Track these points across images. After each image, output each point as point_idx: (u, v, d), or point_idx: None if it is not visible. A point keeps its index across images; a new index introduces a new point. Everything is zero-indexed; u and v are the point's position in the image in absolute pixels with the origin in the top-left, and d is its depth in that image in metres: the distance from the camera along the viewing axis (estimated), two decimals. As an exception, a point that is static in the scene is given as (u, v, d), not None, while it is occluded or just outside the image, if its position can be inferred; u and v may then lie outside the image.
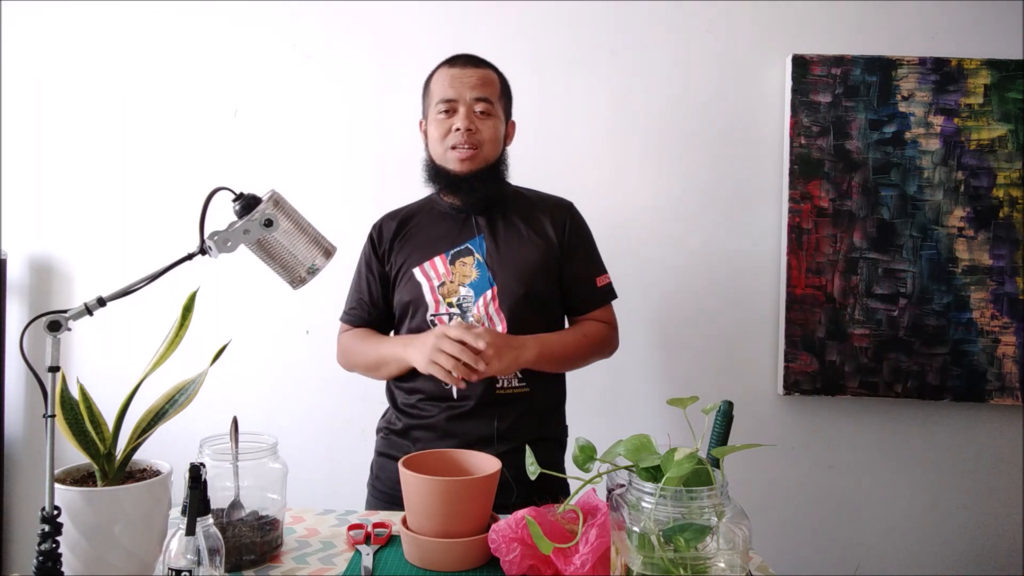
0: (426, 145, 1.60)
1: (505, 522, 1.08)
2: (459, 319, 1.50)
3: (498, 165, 1.56)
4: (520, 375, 1.51)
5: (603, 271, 1.63)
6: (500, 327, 1.49)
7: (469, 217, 1.56)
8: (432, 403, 1.50)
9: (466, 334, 1.36)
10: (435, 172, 1.55)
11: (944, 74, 2.07)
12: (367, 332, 1.61)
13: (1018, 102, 2.06)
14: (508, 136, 1.62)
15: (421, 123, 1.62)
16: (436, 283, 1.52)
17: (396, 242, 1.59)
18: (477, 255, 1.53)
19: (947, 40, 2.12)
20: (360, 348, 1.59)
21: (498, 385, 1.49)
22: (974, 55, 2.09)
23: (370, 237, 1.64)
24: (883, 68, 2.08)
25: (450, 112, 1.51)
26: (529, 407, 1.51)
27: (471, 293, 1.51)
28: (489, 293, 1.50)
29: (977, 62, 2.06)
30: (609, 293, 1.62)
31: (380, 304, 1.61)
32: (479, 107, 1.50)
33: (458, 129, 1.49)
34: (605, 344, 1.61)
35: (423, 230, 1.58)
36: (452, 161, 1.52)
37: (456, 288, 1.51)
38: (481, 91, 1.50)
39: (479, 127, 1.50)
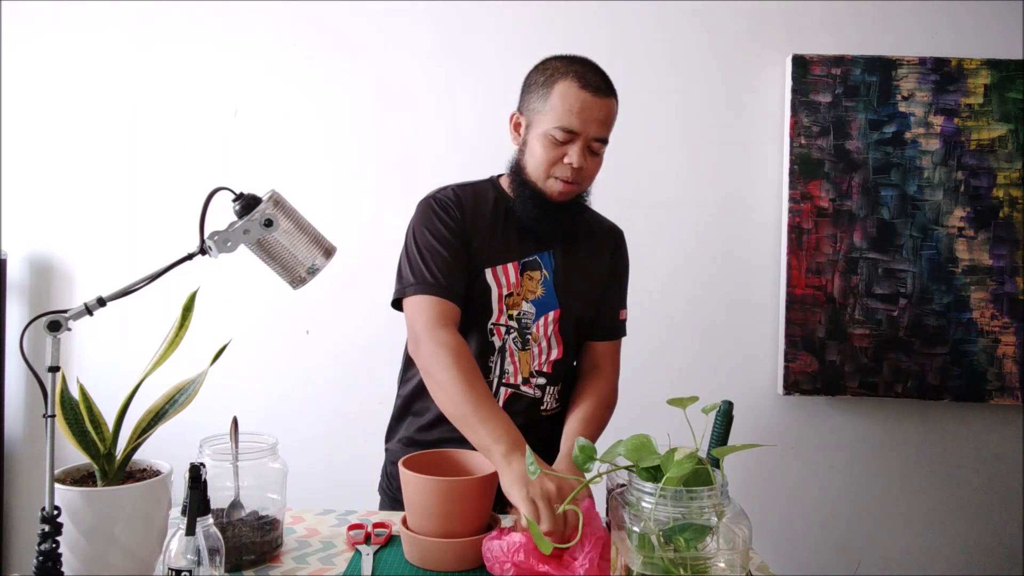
0: (521, 148, 1.44)
1: (498, 545, 1.06)
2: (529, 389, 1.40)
3: (584, 192, 1.49)
4: (557, 396, 1.49)
5: (625, 306, 1.59)
6: (556, 351, 1.46)
7: (548, 230, 1.47)
8: None
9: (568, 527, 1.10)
10: (526, 187, 1.42)
11: (944, 74, 2.07)
12: (476, 370, 1.30)
13: (1018, 102, 2.06)
14: None
15: (516, 116, 1.45)
16: (505, 291, 1.42)
17: (474, 224, 1.43)
18: (545, 271, 1.46)
19: (947, 40, 2.12)
20: (460, 388, 1.26)
21: (542, 407, 1.46)
22: (974, 55, 2.09)
23: (446, 205, 1.43)
24: (883, 68, 2.08)
25: (567, 141, 1.36)
26: (560, 423, 1.49)
27: (533, 310, 1.44)
28: (552, 315, 1.45)
29: (977, 62, 2.06)
30: (623, 329, 1.58)
31: (465, 280, 1.40)
32: (595, 146, 1.38)
33: (570, 163, 1.36)
34: (615, 402, 1.52)
35: (498, 227, 1.44)
36: (551, 189, 1.40)
37: (520, 301, 1.43)
38: (603, 129, 1.38)
39: (588, 164, 1.39)
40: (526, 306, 1.44)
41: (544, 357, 1.45)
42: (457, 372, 1.26)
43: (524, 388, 1.44)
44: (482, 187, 1.50)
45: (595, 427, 1.42)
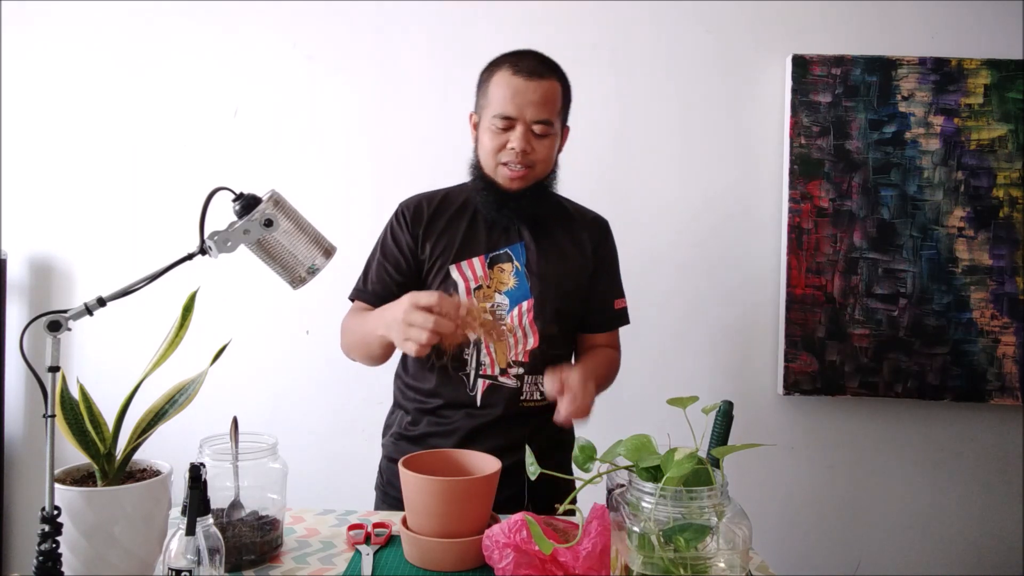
0: (475, 145, 1.51)
1: (499, 527, 1.07)
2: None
3: (547, 179, 1.50)
4: (541, 388, 1.49)
5: (622, 295, 1.60)
6: (532, 340, 1.47)
7: (512, 223, 1.50)
8: (454, 410, 1.46)
9: (442, 301, 1.21)
10: (482, 180, 1.48)
11: (944, 74, 2.07)
12: (362, 308, 1.48)
13: (1018, 102, 2.06)
14: (561, 142, 1.53)
15: (472, 116, 1.51)
16: (473, 285, 1.46)
17: (432, 228, 1.50)
18: (516, 263, 1.48)
19: (947, 40, 2.12)
20: (349, 326, 1.48)
21: (522, 398, 1.47)
22: (974, 55, 2.09)
23: (401, 215, 1.52)
24: (883, 68, 2.08)
25: (507, 128, 1.41)
26: (547, 418, 1.50)
27: (507, 301, 1.47)
28: (525, 304, 1.47)
29: (977, 62, 2.06)
30: (623, 318, 1.59)
31: (407, 285, 1.48)
32: (537, 128, 1.41)
33: (512, 149, 1.41)
34: (616, 373, 1.59)
35: (461, 224, 1.50)
36: (502, 177, 1.44)
37: (492, 294, 1.47)
38: (542, 111, 1.40)
39: (535, 147, 1.42)
40: (499, 298, 1.47)
41: (520, 347, 1.47)
42: (345, 323, 1.49)
43: (502, 379, 1.46)
44: (456, 190, 1.56)
45: (610, 368, 1.53)
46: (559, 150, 1.53)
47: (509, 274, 1.48)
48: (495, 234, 1.49)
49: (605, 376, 1.51)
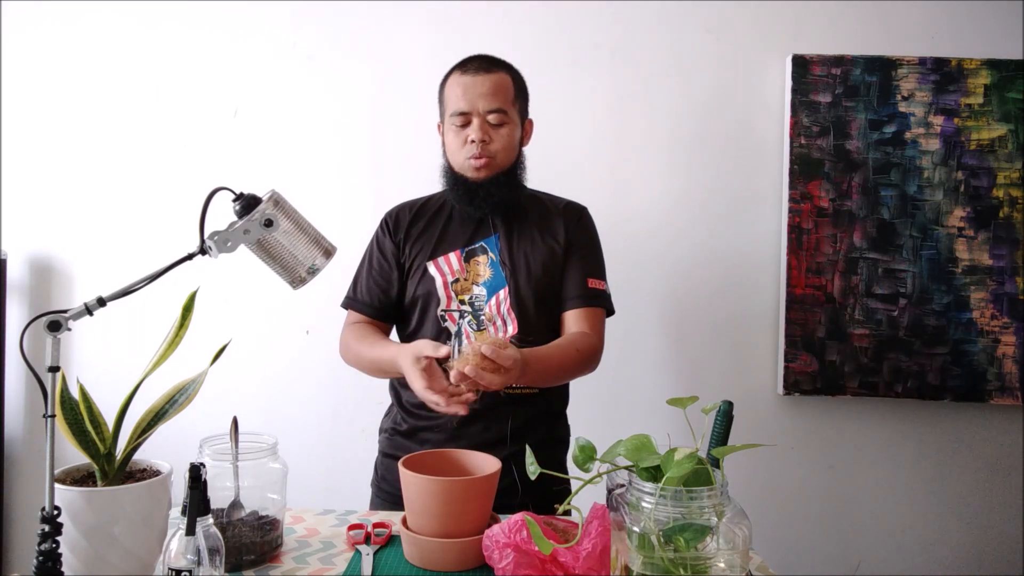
0: (444, 149, 1.59)
1: (499, 527, 1.07)
2: (468, 327, 1.50)
3: (514, 169, 1.57)
4: None
5: (599, 276, 1.59)
6: (511, 327, 1.50)
7: (486, 215, 1.56)
8: None
9: (432, 383, 1.29)
10: (453, 178, 1.56)
11: (944, 74, 2.07)
12: (369, 330, 1.56)
13: (1018, 102, 2.06)
14: (525, 135, 1.61)
15: (439, 126, 1.61)
16: (450, 279, 1.53)
17: (412, 232, 1.59)
18: (491, 254, 1.54)
19: (947, 40, 2.12)
20: (359, 348, 1.54)
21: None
22: (974, 55, 2.09)
23: (385, 224, 1.62)
24: (883, 68, 2.08)
25: (464, 123, 1.51)
26: (537, 409, 1.51)
27: (484, 292, 1.52)
28: (501, 293, 1.51)
29: (977, 62, 2.06)
30: (599, 298, 1.56)
31: (393, 291, 1.58)
32: (492, 118, 1.50)
33: (472, 141, 1.49)
34: (591, 358, 1.52)
35: (438, 224, 1.59)
36: (468, 170, 1.52)
37: (469, 286, 1.53)
38: (493, 101, 1.49)
39: (493, 137, 1.51)
40: (477, 289, 1.53)
41: (500, 335, 1.50)
42: (353, 341, 1.55)
43: None
44: (436, 195, 1.64)
45: (565, 351, 1.44)
46: (523, 142, 1.61)
47: (484, 266, 1.54)
48: (471, 229, 1.56)
49: (559, 361, 1.43)
